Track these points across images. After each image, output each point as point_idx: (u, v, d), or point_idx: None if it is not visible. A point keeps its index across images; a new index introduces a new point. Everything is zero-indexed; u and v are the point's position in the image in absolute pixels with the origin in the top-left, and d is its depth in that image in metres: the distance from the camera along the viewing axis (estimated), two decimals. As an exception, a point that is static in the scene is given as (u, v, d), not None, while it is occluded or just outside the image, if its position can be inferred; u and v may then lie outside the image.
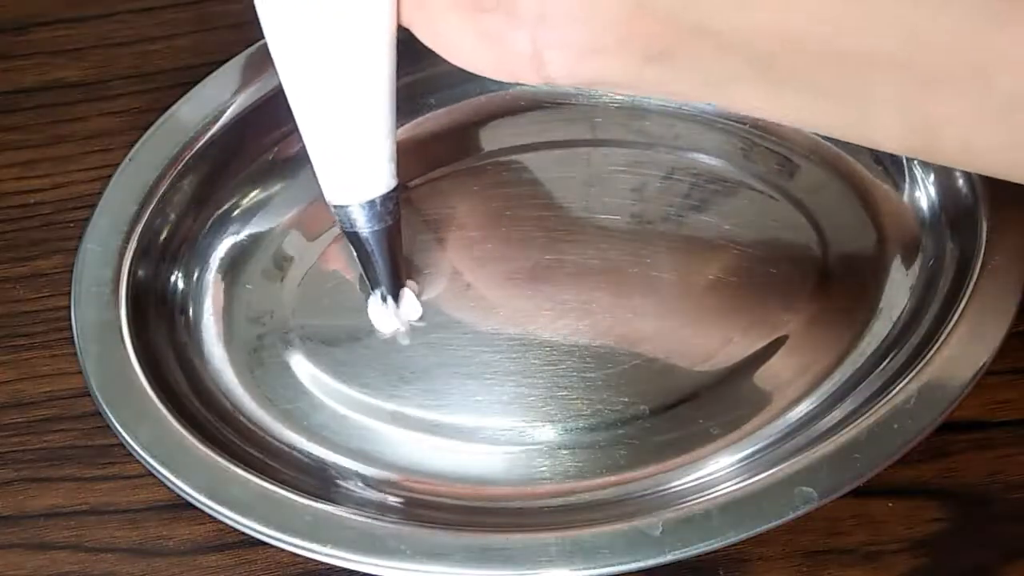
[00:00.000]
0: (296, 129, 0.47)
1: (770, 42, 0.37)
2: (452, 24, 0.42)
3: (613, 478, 0.46)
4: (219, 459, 0.45)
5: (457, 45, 0.42)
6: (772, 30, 0.37)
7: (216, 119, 0.55)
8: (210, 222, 0.54)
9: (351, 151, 0.46)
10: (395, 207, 0.48)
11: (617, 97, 0.58)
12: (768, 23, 0.37)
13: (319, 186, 0.48)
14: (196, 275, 0.53)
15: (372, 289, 0.50)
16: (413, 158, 0.56)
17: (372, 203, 0.47)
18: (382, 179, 0.47)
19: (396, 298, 0.50)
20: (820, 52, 0.37)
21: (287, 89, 0.47)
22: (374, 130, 0.46)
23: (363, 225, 0.48)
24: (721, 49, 0.38)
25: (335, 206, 0.48)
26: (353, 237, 0.48)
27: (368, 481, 0.47)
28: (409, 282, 0.51)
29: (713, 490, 0.43)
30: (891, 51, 0.36)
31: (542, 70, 0.40)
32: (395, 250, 0.49)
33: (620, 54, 0.39)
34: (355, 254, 0.49)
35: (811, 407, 0.47)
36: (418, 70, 0.55)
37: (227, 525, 0.43)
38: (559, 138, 0.58)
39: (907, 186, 0.53)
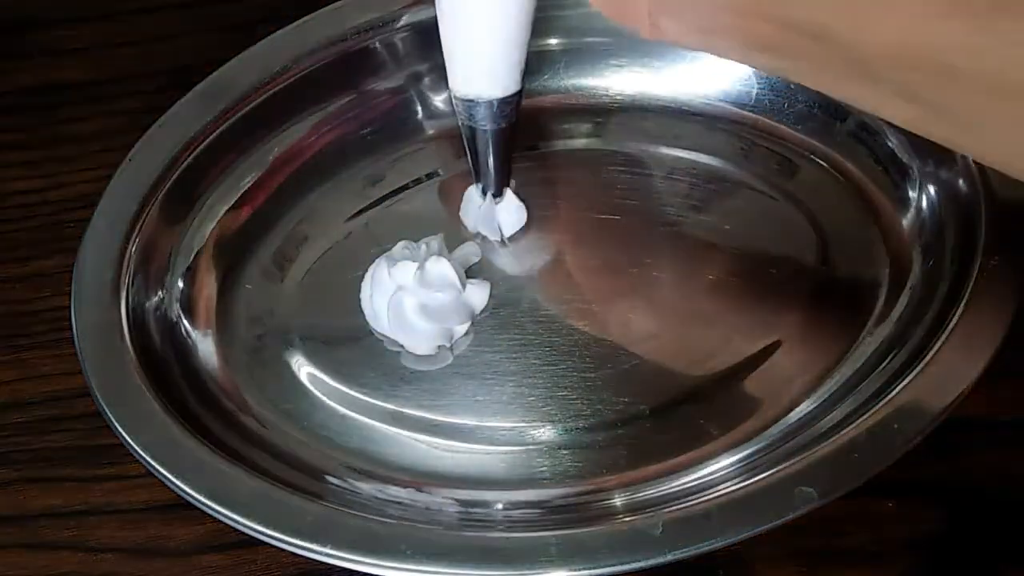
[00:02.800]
0: (296, 129, 0.47)
1: (889, 61, 0.37)
2: None
3: (613, 478, 0.46)
4: (219, 459, 0.45)
5: None
6: (893, 52, 0.37)
7: (216, 119, 0.55)
8: (210, 222, 0.54)
9: (488, 50, 0.49)
10: (513, 111, 0.50)
11: (617, 97, 0.58)
12: (887, 44, 0.37)
13: (323, 180, 0.48)
14: (196, 275, 0.53)
15: (478, 184, 0.52)
16: (421, 162, 0.57)
17: (495, 102, 0.49)
18: (510, 81, 0.49)
19: (498, 195, 0.52)
20: (938, 73, 0.37)
21: None
22: (512, 34, 0.48)
23: (483, 121, 0.50)
24: (833, 57, 0.38)
25: (460, 99, 0.50)
26: (470, 132, 0.51)
27: (368, 481, 0.47)
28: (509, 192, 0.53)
29: (713, 490, 0.43)
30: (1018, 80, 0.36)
31: (655, 32, 0.41)
32: (507, 151, 0.51)
33: (728, 38, 0.40)
34: (468, 150, 0.51)
35: (811, 407, 0.47)
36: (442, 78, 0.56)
37: (227, 525, 0.43)
38: (559, 137, 0.58)
39: (907, 186, 0.53)
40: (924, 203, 0.52)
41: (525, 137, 0.57)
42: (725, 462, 0.46)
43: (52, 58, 0.65)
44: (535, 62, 0.59)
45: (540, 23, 0.58)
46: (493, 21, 0.48)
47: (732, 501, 0.42)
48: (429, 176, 0.57)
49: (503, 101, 0.50)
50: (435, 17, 0.58)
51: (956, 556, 0.44)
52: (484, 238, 0.54)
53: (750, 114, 0.57)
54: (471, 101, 0.50)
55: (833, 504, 0.42)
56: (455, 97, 0.50)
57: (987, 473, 0.46)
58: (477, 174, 0.52)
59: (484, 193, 0.53)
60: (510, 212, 0.53)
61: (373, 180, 0.57)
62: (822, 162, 0.55)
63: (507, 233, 0.53)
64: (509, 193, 0.53)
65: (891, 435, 0.43)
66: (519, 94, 0.50)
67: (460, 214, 0.54)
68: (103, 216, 0.52)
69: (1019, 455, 0.46)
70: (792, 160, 0.56)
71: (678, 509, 0.42)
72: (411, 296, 0.50)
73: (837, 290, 0.51)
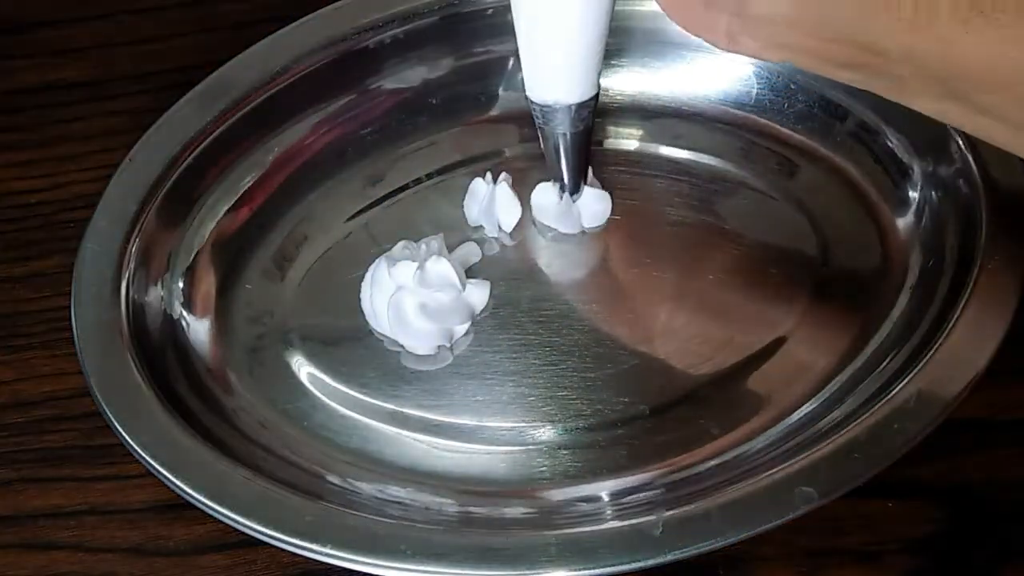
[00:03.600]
0: (296, 129, 0.47)
1: (975, 83, 0.38)
2: None
3: (613, 478, 0.46)
4: (219, 459, 0.45)
5: None
6: (979, 74, 0.37)
7: (216, 119, 0.55)
8: (210, 222, 0.54)
9: (567, 59, 0.49)
10: (589, 114, 0.50)
11: (617, 97, 0.58)
12: (974, 66, 0.37)
13: (323, 180, 0.48)
14: (196, 275, 0.53)
15: (555, 184, 0.53)
16: (421, 162, 0.57)
17: (572, 107, 0.49)
18: (588, 87, 0.49)
19: (575, 194, 0.53)
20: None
21: None
22: (591, 41, 0.48)
23: (560, 126, 0.50)
24: (917, 76, 0.38)
25: (537, 104, 0.50)
26: (546, 136, 0.51)
27: (368, 481, 0.46)
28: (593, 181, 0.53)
29: (713, 490, 0.43)
30: None
31: (732, 46, 0.41)
32: (585, 153, 0.51)
33: (807, 57, 0.40)
34: (544, 151, 0.52)
35: (811, 407, 0.47)
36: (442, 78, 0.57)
37: (227, 525, 0.43)
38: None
39: (907, 186, 0.53)
40: (924, 203, 0.52)
41: (524, 137, 0.58)
42: (725, 462, 0.46)
43: (52, 58, 0.65)
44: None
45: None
46: (573, 31, 0.48)
47: (732, 501, 0.42)
48: (429, 176, 0.57)
49: (580, 105, 0.50)
50: (435, 17, 0.58)
51: (956, 556, 0.44)
52: (484, 238, 0.54)
53: (750, 114, 0.57)
54: (548, 107, 0.50)
55: (833, 504, 0.42)
56: (532, 103, 0.50)
57: (987, 473, 0.46)
58: (556, 177, 0.52)
59: (561, 192, 0.53)
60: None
61: (373, 180, 0.57)
62: (822, 162, 0.55)
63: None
64: (589, 191, 0.53)
65: (891, 435, 0.43)
66: (596, 97, 0.50)
67: (463, 206, 0.54)
68: (103, 216, 0.52)
69: (1019, 455, 0.46)
70: (792, 160, 0.56)
71: (678, 509, 0.42)
72: (411, 296, 0.50)
73: (837, 290, 0.51)
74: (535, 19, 0.48)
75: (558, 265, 0.53)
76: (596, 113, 0.50)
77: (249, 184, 0.56)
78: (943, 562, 0.44)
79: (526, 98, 0.50)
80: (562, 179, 0.52)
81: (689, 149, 0.56)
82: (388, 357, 0.50)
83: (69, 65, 0.64)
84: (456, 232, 0.54)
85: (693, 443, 0.47)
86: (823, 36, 0.39)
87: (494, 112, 0.59)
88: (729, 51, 0.41)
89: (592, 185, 0.54)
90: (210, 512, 0.43)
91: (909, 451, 0.43)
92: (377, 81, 0.58)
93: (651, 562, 0.41)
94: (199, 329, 0.52)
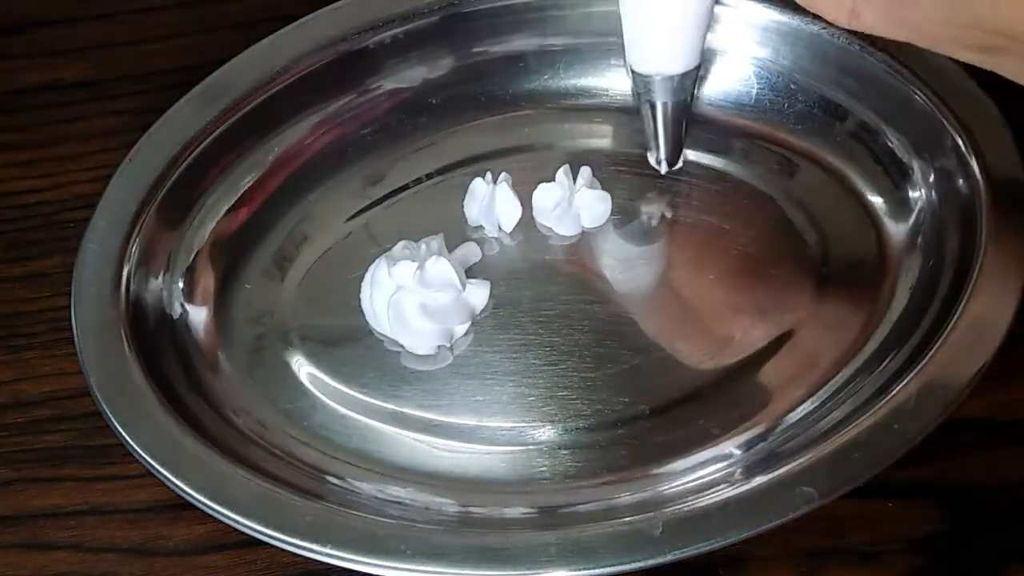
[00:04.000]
0: (296, 129, 0.47)
1: None
2: None
3: (613, 478, 0.46)
4: (219, 459, 0.45)
5: None
6: None
7: (216, 119, 0.55)
8: (210, 222, 0.54)
9: (672, 32, 0.48)
10: (692, 84, 0.50)
11: (617, 97, 0.58)
12: None
13: (323, 180, 0.48)
14: (196, 275, 0.53)
15: (652, 153, 0.52)
16: (421, 162, 0.57)
17: (675, 77, 0.49)
18: (692, 58, 0.49)
19: (673, 165, 0.53)
20: None
21: None
22: (699, 13, 0.48)
23: (660, 95, 0.50)
24: None
25: (638, 74, 0.50)
26: (649, 106, 0.51)
27: (368, 481, 0.46)
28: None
29: (713, 490, 0.43)
30: None
31: (854, 20, 0.41)
32: (683, 124, 0.51)
33: (936, 39, 0.40)
34: (645, 121, 0.52)
35: (811, 407, 0.47)
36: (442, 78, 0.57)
37: (227, 525, 0.43)
38: (559, 138, 0.58)
39: (907, 186, 0.53)
40: (924, 203, 0.52)
41: (525, 138, 0.58)
42: (725, 462, 0.46)
43: (52, 58, 0.65)
44: (535, 62, 0.59)
45: (540, 23, 0.59)
46: (681, 4, 0.48)
47: (732, 501, 0.42)
48: (429, 176, 0.57)
49: (683, 76, 0.50)
50: (435, 17, 0.58)
51: (956, 556, 0.44)
52: (484, 238, 0.54)
53: (750, 114, 0.57)
54: (649, 77, 0.50)
55: (833, 504, 0.42)
56: (634, 72, 0.50)
57: (987, 473, 0.46)
58: (655, 147, 0.52)
59: (658, 163, 0.53)
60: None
61: (373, 180, 0.57)
62: (822, 162, 0.55)
63: (507, 228, 0.54)
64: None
65: (891, 435, 0.43)
66: (698, 68, 0.50)
67: (463, 206, 0.54)
68: (103, 216, 0.52)
69: (1019, 455, 0.46)
70: (792, 160, 0.56)
71: (678, 509, 0.42)
72: (411, 296, 0.50)
73: (837, 290, 0.51)
74: None
75: (558, 265, 0.53)
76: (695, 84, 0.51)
77: (249, 184, 0.56)
78: (943, 562, 0.44)
79: (628, 69, 0.51)
80: (659, 150, 0.52)
81: (689, 149, 0.56)
82: (388, 357, 0.50)
83: (69, 65, 0.64)
84: (456, 232, 0.54)
85: (693, 443, 0.47)
86: (959, 20, 0.39)
87: (494, 112, 0.59)
88: (850, 27, 0.41)
89: (592, 186, 0.54)
90: (210, 512, 0.43)
91: (909, 451, 0.43)
92: (377, 81, 0.58)
93: (651, 562, 0.41)
94: (199, 329, 0.52)
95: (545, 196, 0.54)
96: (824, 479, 0.42)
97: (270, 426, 0.49)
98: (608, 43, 0.57)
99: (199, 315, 0.52)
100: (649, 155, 0.53)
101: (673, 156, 0.53)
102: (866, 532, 0.44)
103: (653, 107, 0.51)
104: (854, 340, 0.49)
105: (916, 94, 0.53)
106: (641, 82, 0.50)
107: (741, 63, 0.57)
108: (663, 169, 0.53)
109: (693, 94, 0.51)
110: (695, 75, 0.50)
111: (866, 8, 0.40)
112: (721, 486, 0.43)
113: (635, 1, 0.48)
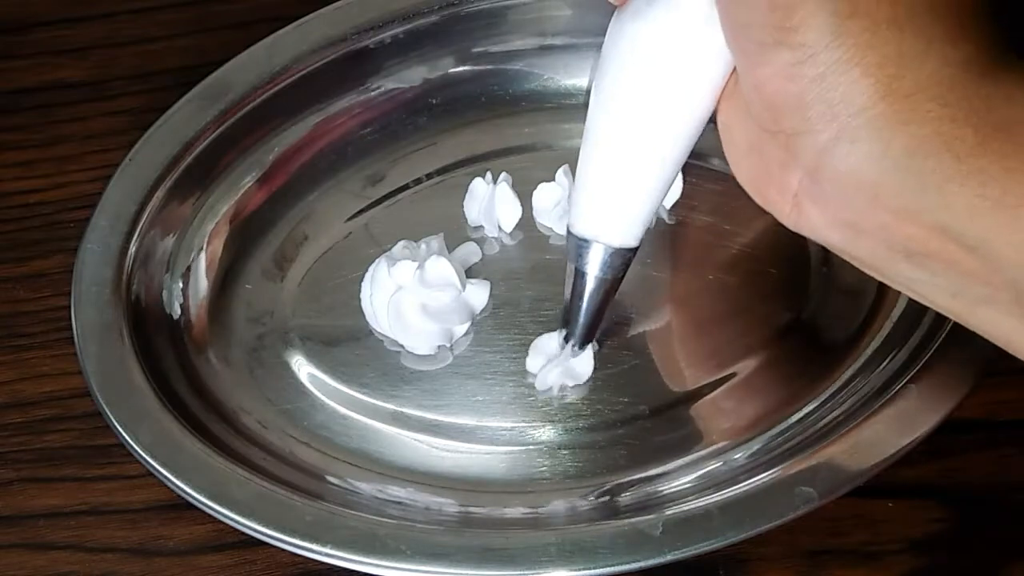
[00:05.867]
0: (296, 129, 0.46)
1: None
2: (744, 127, 0.40)
3: (613, 478, 0.46)
4: (219, 459, 0.45)
5: (736, 144, 0.40)
6: None
7: (216, 119, 0.55)
8: (210, 222, 0.54)
9: (622, 195, 0.44)
10: (623, 267, 0.46)
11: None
12: None
13: (323, 180, 0.48)
14: (196, 275, 0.53)
15: (562, 328, 0.48)
16: (421, 162, 0.57)
17: (612, 251, 0.45)
18: (632, 234, 0.45)
19: (580, 348, 0.48)
20: None
21: (594, 113, 0.44)
22: (652, 187, 0.44)
23: (591, 266, 0.46)
24: (983, 272, 0.35)
25: (576, 236, 0.46)
26: (577, 275, 0.46)
27: (368, 481, 0.47)
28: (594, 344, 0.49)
29: (713, 490, 0.43)
30: None
31: (793, 215, 0.39)
32: (604, 305, 0.47)
33: (872, 239, 0.37)
34: (567, 290, 0.47)
35: (811, 407, 0.47)
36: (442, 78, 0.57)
37: (227, 525, 0.43)
38: (559, 138, 0.58)
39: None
40: (924, 203, 0.52)
41: (525, 138, 0.58)
42: (725, 462, 0.46)
43: (52, 58, 0.65)
44: (535, 62, 0.59)
45: (540, 23, 0.59)
46: (639, 171, 0.43)
47: (732, 501, 0.42)
48: (429, 176, 0.57)
49: (622, 251, 0.45)
50: (435, 17, 0.58)
51: (956, 556, 0.44)
52: (484, 238, 0.54)
53: (750, 114, 0.57)
54: (585, 241, 0.45)
55: (833, 504, 0.42)
56: (570, 232, 0.46)
57: (987, 473, 0.46)
58: (566, 320, 0.48)
59: (566, 340, 0.48)
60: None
61: (373, 180, 0.57)
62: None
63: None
64: (590, 351, 0.49)
65: (891, 435, 0.43)
66: (635, 251, 0.46)
67: (463, 206, 0.54)
68: (103, 216, 0.52)
69: (1019, 455, 0.46)
70: (792, 160, 0.56)
71: (678, 509, 0.42)
72: (411, 296, 0.50)
73: (838, 290, 0.51)
74: (605, 146, 0.43)
75: (558, 265, 0.53)
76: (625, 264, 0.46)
77: (249, 184, 0.56)
78: (943, 562, 0.44)
79: (567, 231, 0.46)
80: (573, 325, 0.47)
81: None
82: (388, 357, 0.50)
83: (69, 65, 0.64)
84: (456, 232, 0.54)
85: (693, 443, 0.47)
86: (903, 208, 0.36)
87: (494, 112, 0.59)
88: (790, 224, 0.39)
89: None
90: (210, 512, 0.43)
91: (909, 451, 0.43)
92: (377, 81, 0.58)
93: (651, 562, 0.41)
94: (199, 329, 0.52)
95: (545, 196, 0.54)
96: (824, 479, 0.42)
97: (270, 426, 0.49)
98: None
99: (199, 315, 0.52)
100: (559, 331, 0.49)
101: (584, 339, 0.48)
102: (866, 532, 0.44)
103: (582, 278, 0.46)
104: (854, 340, 0.49)
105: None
106: (574, 244, 0.46)
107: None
108: (570, 350, 0.48)
109: (623, 277, 0.46)
110: (631, 257, 0.46)
111: (809, 200, 0.38)
112: (721, 486, 0.43)
113: (602, 164, 0.44)
